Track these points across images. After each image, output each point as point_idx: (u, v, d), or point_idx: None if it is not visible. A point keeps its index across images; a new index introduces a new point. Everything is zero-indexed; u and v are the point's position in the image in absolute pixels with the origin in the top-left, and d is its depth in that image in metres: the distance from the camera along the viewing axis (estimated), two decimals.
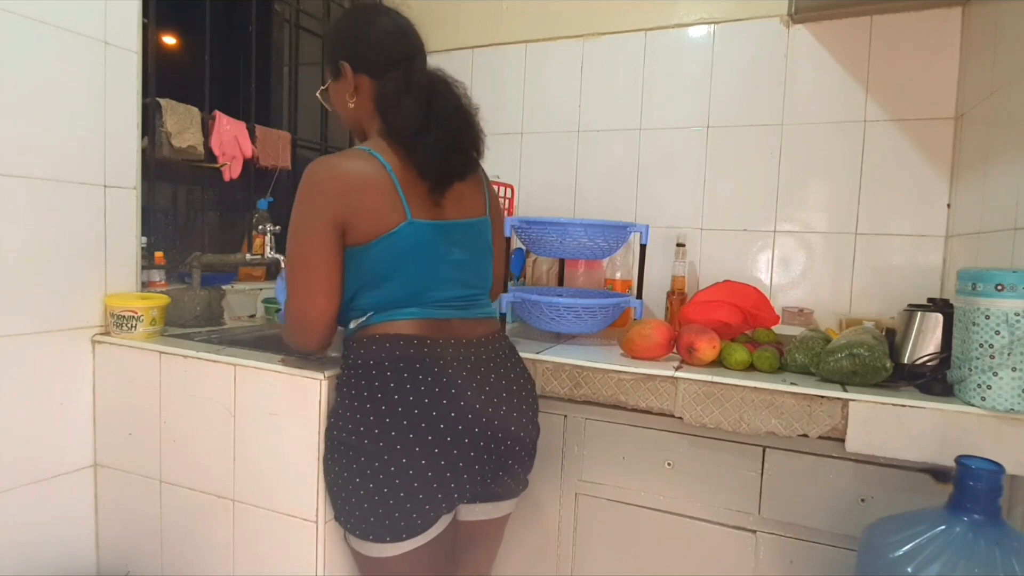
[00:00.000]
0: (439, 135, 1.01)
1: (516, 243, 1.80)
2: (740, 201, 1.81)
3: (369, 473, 0.95)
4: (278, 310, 1.63)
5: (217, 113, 1.67)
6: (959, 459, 0.93)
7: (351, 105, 1.10)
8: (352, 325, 1.04)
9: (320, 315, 1.01)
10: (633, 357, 1.36)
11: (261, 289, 1.79)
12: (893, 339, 1.23)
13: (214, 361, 1.18)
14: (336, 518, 1.04)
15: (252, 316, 1.74)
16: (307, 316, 1.01)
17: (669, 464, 1.29)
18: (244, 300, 1.75)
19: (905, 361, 1.19)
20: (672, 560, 1.30)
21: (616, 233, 1.54)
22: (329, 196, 0.97)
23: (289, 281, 1.02)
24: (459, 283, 1.07)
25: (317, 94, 1.19)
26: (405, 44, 1.09)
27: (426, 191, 1.02)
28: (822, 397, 1.13)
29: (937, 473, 1.09)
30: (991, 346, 1.02)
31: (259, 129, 1.81)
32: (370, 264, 1.00)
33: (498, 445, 1.03)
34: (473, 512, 1.12)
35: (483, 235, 1.14)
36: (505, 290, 1.51)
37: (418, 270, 1.02)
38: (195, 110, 1.61)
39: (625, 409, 1.31)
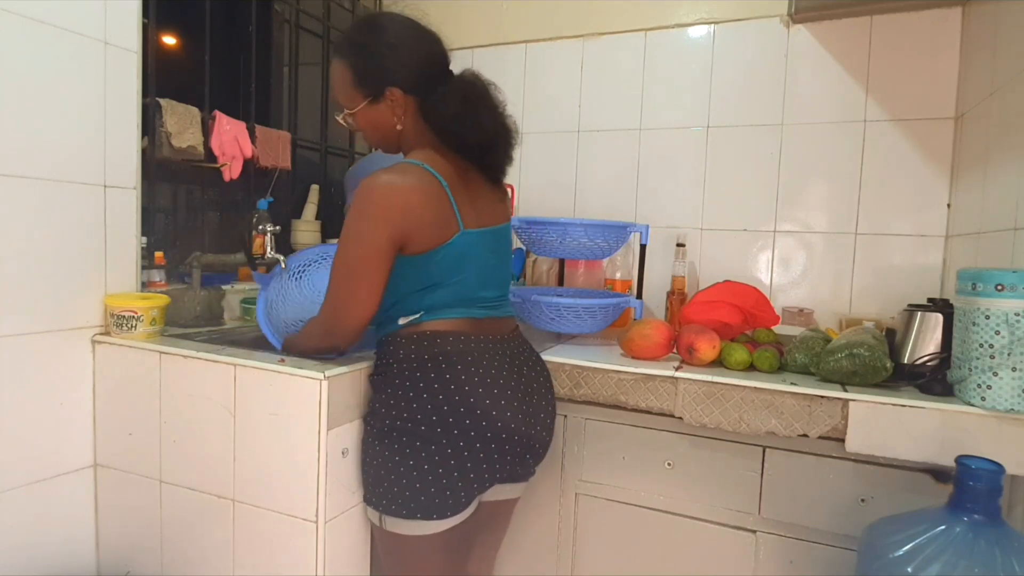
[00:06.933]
0: (504, 142, 1.12)
1: (516, 243, 1.80)
2: (740, 201, 1.80)
3: (424, 456, 1.02)
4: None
5: (217, 113, 1.67)
6: (959, 459, 0.93)
7: (399, 127, 1.12)
8: (401, 322, 1.08)
9: (359, 323, 1.07)
10: (633, 357, 1.36)
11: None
12: (893, 339, 1.23)
13: (214, 361, 1.18)
14: (372, 502, 1.08)
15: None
16: (346, 322, 1.07)
17: (669, 464, 1.29)
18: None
19: (905, 361, 1.19)
20: (672, 560, 1.30)
21: (616, 233, 1.54)
22: (390, 215, 1.00)
23: (334, 287, 1.06)
24: (493, 284, 1.14)
25: (340, 119, 1.16)
26: (445, 56, 1.14)
27: (471, 200, 1.09)
28: (822, 397, 1.13)
29: (937, 473, 1.09)
30: (991, 346, 1.02)
31: (259, 129, 1.81)
32: (427, 271, 1.05)
33: (530, 428, 1.10)
34: (494, 493, 1.16)
35: (509, 238, 1.23)
36: None
37: (468, 275, 1.08)
38: (195, 110, 1.61)
39: (625, 409, 1.31)
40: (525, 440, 1.09)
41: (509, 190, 1.87)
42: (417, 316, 1.07)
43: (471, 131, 1.07)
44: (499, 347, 1.11)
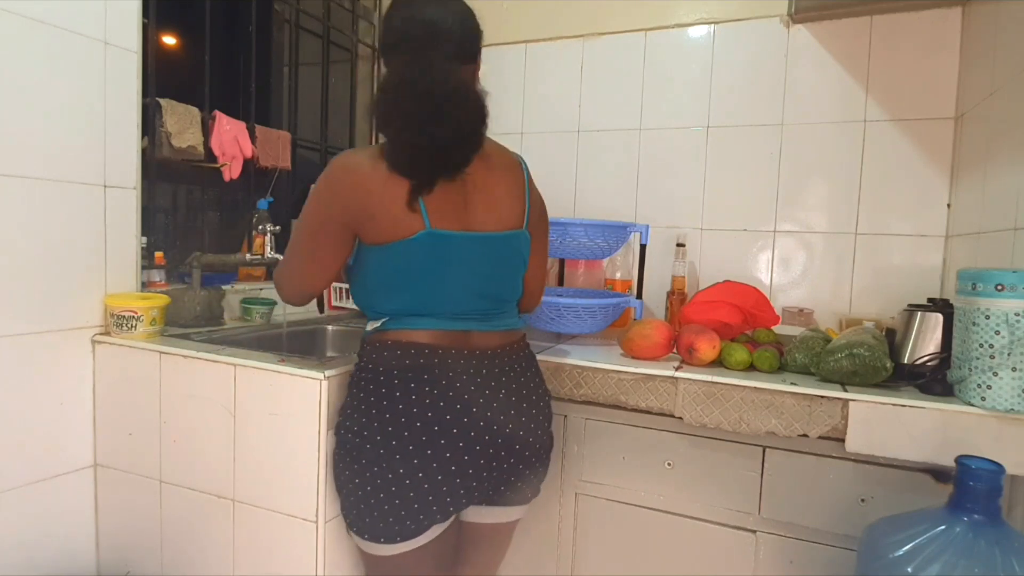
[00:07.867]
0: (428, 134, 0.91)
1: None
2: (740, 201, 1.80)
3: (368, 476, 0.97)
4: (260, 313, 1.63)
5: (217, 113, 1.67)
6: (959, 459, 0.93)
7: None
8: (369, 328, 1.04)
9: (307, 292, 1.09)
10: (633, 357, 1.36)
11: (261, 289, 1.79)
12: (893, 339, 1.23)
13: (214, 361, 1.18)
14: (340, 513, 1.06)
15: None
16: (296, 289, 1.09)
17: (669, 464, 1.29)
18: None
19: (905, 361, 1.19)
20: (672, 560, 1.30)
21: (616, 233, 1.54)
22: (343, 193, 0.96)
23: (285, 256, 1.08)
24: (480, 295, 1.03)
25: None
26: (421, 31, 0.99)
27: (463, 200, 0.99)
28: (822, 397, 1.13)
29: (937, 473, 1.09)
30: (991, 346, 1.02)
31: (259, 129, 1.81)
32: (386, 266, 0.98)
33: (508, 454, 1.02)
34: (480, 515, 1.12)
35: (516, 247, 1.07)
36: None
37: (436, 281, 0.98)
38: (195, 110, 1.61)
39: (625, 409, 1.31)
40: (493, 469, 1.00)
41: None
42: (381, 323, 1.01)
43: (379, 113, 0.95)
44: (476, 363, 1.01)
